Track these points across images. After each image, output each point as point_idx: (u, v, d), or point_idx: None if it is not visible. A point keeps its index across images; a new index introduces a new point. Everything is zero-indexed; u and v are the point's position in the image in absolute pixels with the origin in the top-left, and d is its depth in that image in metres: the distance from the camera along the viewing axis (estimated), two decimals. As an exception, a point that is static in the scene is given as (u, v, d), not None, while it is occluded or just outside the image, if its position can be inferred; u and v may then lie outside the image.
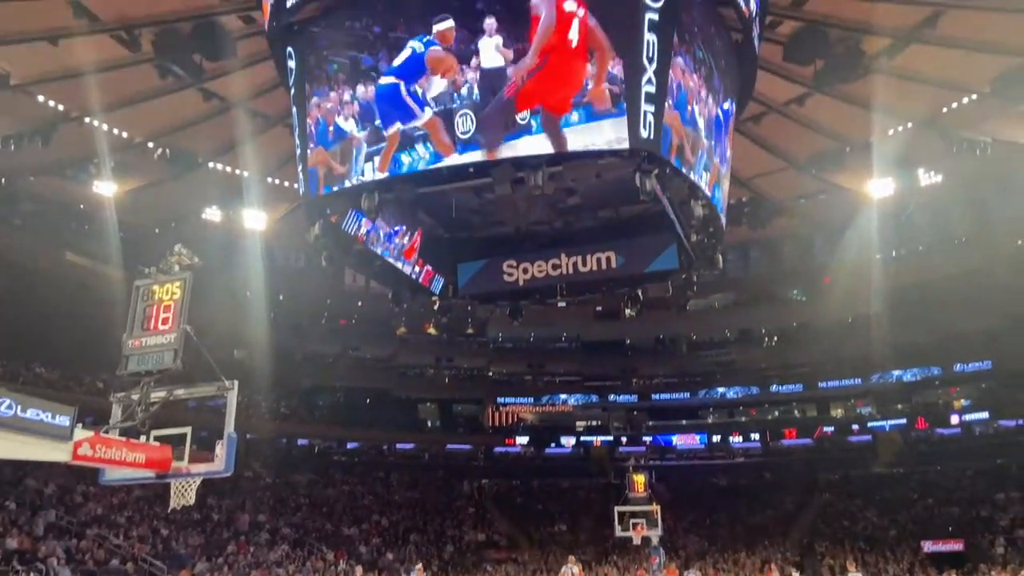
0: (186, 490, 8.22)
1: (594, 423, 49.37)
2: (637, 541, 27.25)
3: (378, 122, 12.97)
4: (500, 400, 48.91)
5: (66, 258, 30.48)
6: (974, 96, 20.56)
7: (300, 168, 14.70)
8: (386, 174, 12.94)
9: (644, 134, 11.85)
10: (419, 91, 12.65)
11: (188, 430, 7.94)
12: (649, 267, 17.39)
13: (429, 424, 49.03)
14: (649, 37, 11.87)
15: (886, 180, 25.75)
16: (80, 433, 6.64)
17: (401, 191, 13.73)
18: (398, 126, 12.78)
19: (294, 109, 14.82)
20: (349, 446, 44.12)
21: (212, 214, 29.42)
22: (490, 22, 12.09)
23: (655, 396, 48.83)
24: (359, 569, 25.05)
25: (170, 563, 23.39)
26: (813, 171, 25.05)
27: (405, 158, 12.71)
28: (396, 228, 17.08)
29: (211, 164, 25.19)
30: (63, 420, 6.35)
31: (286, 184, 25.96)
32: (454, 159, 12.40)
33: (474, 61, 12.23)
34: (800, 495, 40.58)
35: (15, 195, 27.95)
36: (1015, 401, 38.11)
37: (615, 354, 48.76)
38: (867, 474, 40.75)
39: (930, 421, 41.88)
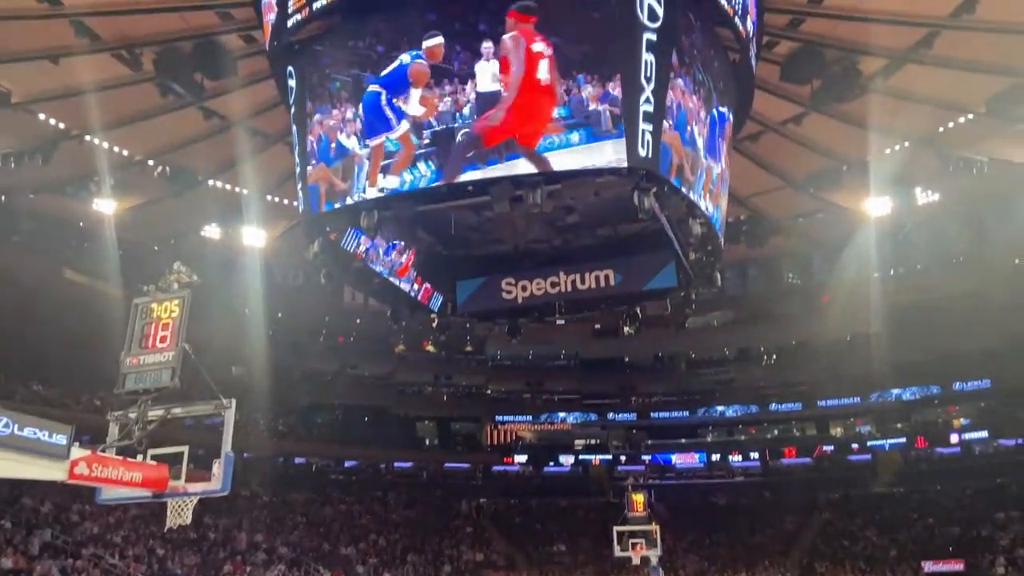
0: (183, 509, 8.15)
1: (593, 441, 49.29)
2: (636, 561, 27.13)
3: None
4: (498, 418, 48.81)
5: (65, 275, 30.39)
6: (970, 116, 20.70)
7: (300, 186, 14.78)
8: (376, 188, 13.03)
9: (642, 153, 11.95)
10: (399, 104, 12.88)
11: (185, 449, 7.89)
12: (648, 285, 17.44)
13: (427, 442, 48.86)
14: (647, 57, 12.01)
15: (883, 199, 25.86)
16: (77, 452, 6.62)
17: (400, 209, 13.79)
18: (381, 138, 13.01)
19: (294, 128, 14.93)
20: (347, 464, 43.97)
21: (211, 232, 29.49)
22: (487, 46, 12.25)
23: (654, 414, 48.70)
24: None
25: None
26: (811, 190, 25.17)
27: (407, 176, 12.80)
28: (393, 243, 17.14)
29: (211, 182, 25.28)
30: (60, 439, 6.33)
31: (285, 202, 26.03)
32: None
33: (470, 84, 12.39)
34: (800, 514, 40.36)
35: (15, 212, 27.92)
36: (1014, 420, 38.04)
37: (614, 372, 48.63)
38: (867, 493, 40.63)
39: (929, 440, 41.81)
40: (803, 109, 20.64)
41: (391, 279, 17.33)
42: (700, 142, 13.92)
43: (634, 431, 49.14)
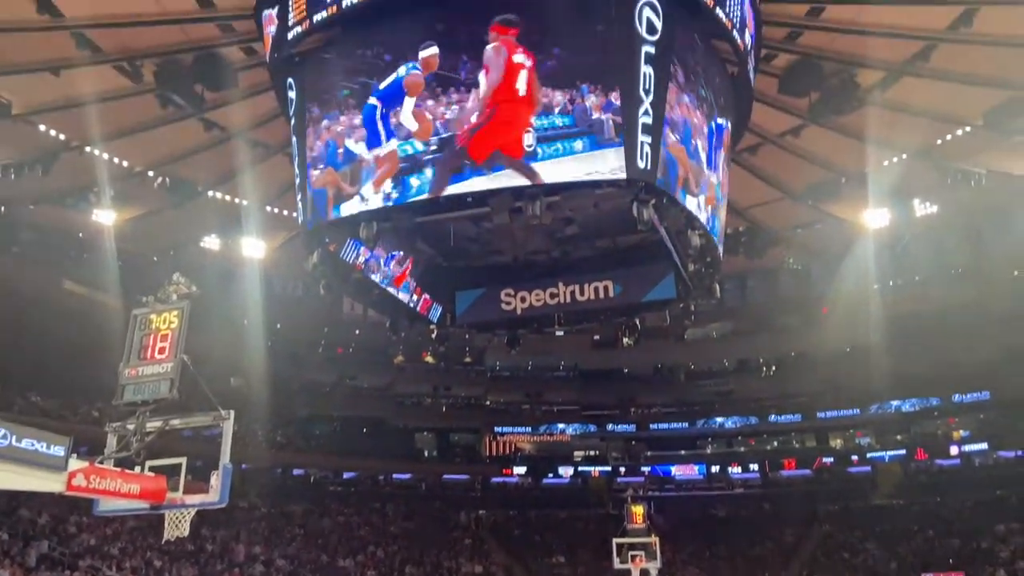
0: (180, 521, 8.11)
1: (592, 453, 49.13)
2: (636, 573, 26.91)
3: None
4: (497, 429, 48.70)
5: (64, 286, 30.43)
6: (967, 128, 20.78)
7: (299, 197, 14.80)
8: (380, 196, 13.07)
9: (641, 164, 12.00)
10: (392, 118, 12.97)
11: (183, 460, 7.86)
12: (647, 296, 17.47)
13: (426, 454, 48.62)
14: (646, 69, 12.09)
15: (882, 210, 25.93)
16: (75, 463, 6.60)
17: (399, 220, 13.83)
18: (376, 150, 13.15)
19: (294, 139, 14.97)
20: (345, 476, 43.81)
21: (211, 243, 29.53)
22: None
23: (653, 426, 48.58)
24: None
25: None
26: (809, 201, 25.22)
27: (414, 180, 12.83)
28: (392, 254, 17.17)
29: (211, 193, 25.30)
30: (58, 450, 6.31)
31: (285, 213, 26.07)
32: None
33: (474, 92, 12.46)
34: (800, 526, 40.21)
35: (15, 223, 27.99)
36: (1014, 431, 37.99)
37: (613, 383, 48.57)
38: (867, 505, 40.50)
39: (929, 452, 41.73)
40: (801, 121, 20.71)
41: (390, 290, 17.35)
42: (703, 155, 14.03)
43: (633, 442, 49.04)
